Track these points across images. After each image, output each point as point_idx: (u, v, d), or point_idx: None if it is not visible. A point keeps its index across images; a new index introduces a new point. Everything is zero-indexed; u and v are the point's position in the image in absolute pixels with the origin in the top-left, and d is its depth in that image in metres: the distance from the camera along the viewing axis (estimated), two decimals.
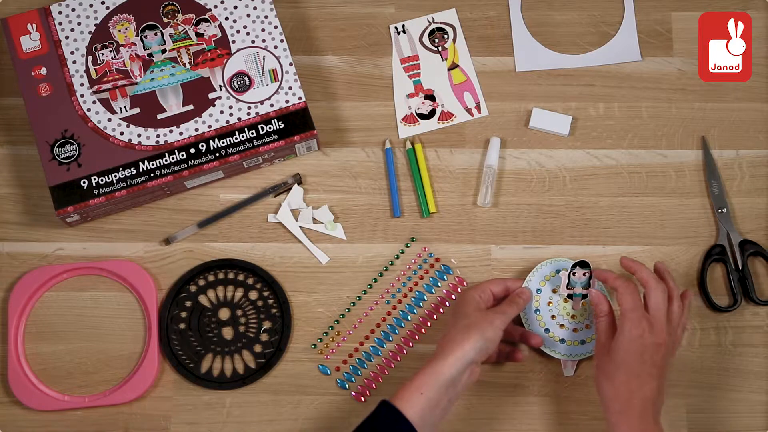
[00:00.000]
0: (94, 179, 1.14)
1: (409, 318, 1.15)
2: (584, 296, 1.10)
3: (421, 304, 1.16)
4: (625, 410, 0.99)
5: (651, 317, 1.01)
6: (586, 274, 1.10)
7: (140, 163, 1.15)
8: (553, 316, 1.12)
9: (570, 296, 1.11)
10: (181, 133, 1.16)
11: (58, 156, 1.14)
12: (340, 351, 1.15)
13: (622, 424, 0.99)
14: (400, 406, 0.97)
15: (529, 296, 1.10)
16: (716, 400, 1.13)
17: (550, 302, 1.12)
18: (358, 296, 1.16)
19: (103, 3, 1.19)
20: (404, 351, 1.14)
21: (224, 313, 1.16)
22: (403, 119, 1.22)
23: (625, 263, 1.08)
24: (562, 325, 1.11)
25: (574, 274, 1.10)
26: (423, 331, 1.15)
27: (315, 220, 1.19)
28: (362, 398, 1.13)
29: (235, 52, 1.19)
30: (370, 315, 1.16)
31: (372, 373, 1.13)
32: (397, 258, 1.17)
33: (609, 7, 1.26)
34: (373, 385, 1.13)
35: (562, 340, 1.11)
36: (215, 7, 1.20)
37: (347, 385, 1.13)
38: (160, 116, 1.16)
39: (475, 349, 1.00)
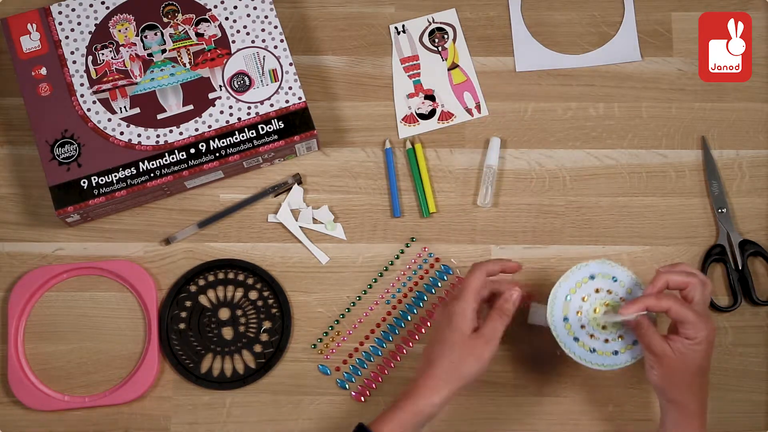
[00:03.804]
0: (94, 179, 1.14)
1: (409, 318, 1.15)
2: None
3: (421, 304, 1.16)
4: (701, 407, 1.01)
5: (703, 315, 0.99)
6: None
7: (140, 163, 1.14)
8: (582, 326, 1.04)
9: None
10: (181, 133, 1.16)
11: (58, 156, 1.14)
12: (340, 351, 1.15)
13: (699, 420, 1.00)
14: None
15: (518, 298, 1.04)
16: (716, 400, 1.12)
17: (579, 312, 1.05)
18: (358, 296, 1.16)
19: (103, 3, 1.19)
20: (404, 351, 1.14)
21: (224, 313, 1.16)
22: (403, 119, 1.22)
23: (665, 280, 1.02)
24: (592, 335, 1.04)
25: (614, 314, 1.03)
26: (423, 331, 1.15)
27: (315, 220, 1.19)
28: (362, 398, 1.13)
29: (235, 52, 1.18)
30: (370, 315, 1.16)
31: (372, 373, 1.13)
32: (397, 258, 1.17)
33: (609, 7, 1.26)
34: (373, 385, 1.13)
35: (593, 350, 1.04)
36: (215, 7, 1.20)
37: (347, 385, 1.13)
38: (160, 116, 1.16)
39: (465, 387, 1.00)
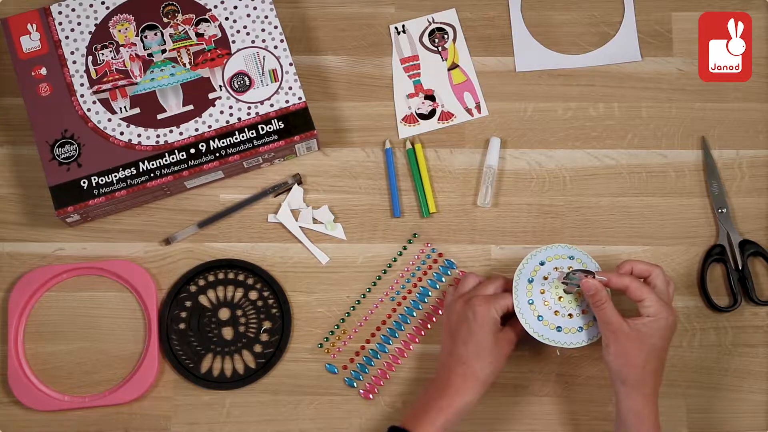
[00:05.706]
0: (94, 179, 1.14)
1: (414, 314, 1.15)
2: (578, 285, 1.08)
3: (425, 300, 1.16)
4: (654, 392, 1.01)
5: (664, 301, 1.02)
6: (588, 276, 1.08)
7: (140, 163, 1.14)
8: (545, 302, 1.08)
9: (564, 282, 1.08)
10: (181, 133, 1.16)
11: (58, 156, 1.14)
12: (347, 350, 1.14)
13: (652, 406, 1.00)
14: None
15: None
16: (716, 400, 1.13)
17: (543, 290, 1.08)
18: (363, 294, 1.16)
19: (103, 3, 1.19)
20: (411, 347, 1.14)
21: (224, 313, 1.16)
22: (403, 119, 1.22)
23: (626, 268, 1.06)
24: (556, 312, 1.07)
25: (574, 273, 1.08)
26: (429, 326, 1.15)
27: (315, 220, 1.18)
28: (370, 396, 1.12)
29: (235, 52, 1.19)
30: (375, 312, 1.16)
31: (379, 370, 1.13)
32: (400, 255, 1.17)
33: (609, 7, 1.26)
34: (381, 383, 1.13)
35: (559, 328, 1.07)
36: (215, 7, 1.20)
37: (355, 383, 1.13)
38: (160, 116, 1.16)
39: (493, 380, 1.06)
